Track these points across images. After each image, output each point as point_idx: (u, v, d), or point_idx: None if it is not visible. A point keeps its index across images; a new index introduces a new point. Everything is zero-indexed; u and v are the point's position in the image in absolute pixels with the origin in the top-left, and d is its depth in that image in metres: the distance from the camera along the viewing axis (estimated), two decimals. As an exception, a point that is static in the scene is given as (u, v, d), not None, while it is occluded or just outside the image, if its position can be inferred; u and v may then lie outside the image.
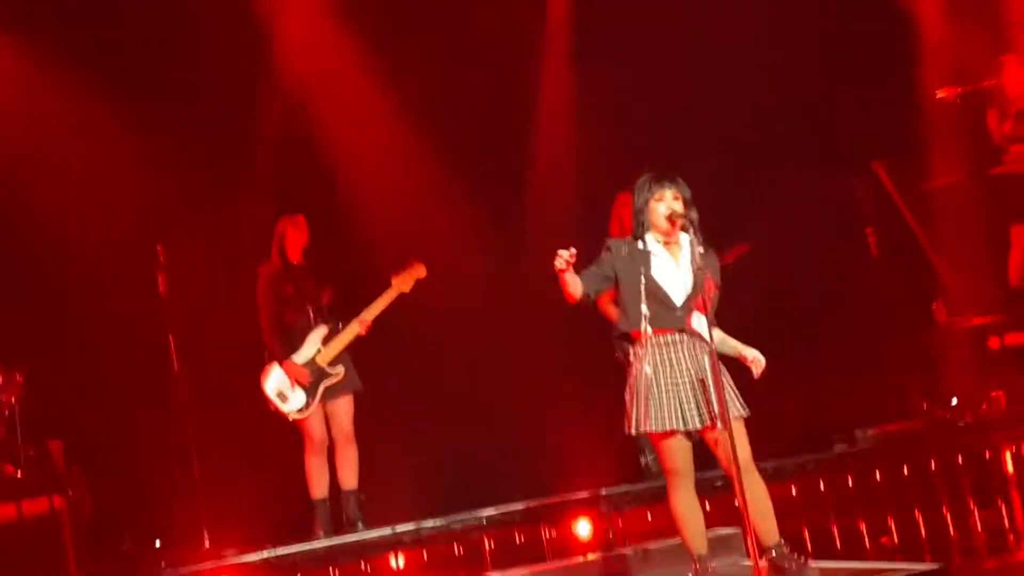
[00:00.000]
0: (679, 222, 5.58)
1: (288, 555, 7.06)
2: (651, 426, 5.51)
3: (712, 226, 5.69)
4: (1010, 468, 7.77)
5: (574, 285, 5.54)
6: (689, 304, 5.56)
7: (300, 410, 7.50)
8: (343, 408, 7.60)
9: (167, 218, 8.35)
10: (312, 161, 8.98)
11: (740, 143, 9.20)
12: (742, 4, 9.36)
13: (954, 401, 8.38)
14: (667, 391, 5.51)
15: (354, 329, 7.57)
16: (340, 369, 7.57)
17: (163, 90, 8.58)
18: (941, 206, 9.22)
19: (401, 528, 7.17)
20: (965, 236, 9.10)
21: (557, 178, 9.48)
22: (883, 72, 9.20)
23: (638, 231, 5.67)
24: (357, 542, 7.19)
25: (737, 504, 5.38)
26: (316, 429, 7.55)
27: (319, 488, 7.56)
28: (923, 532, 7.57)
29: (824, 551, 7.08)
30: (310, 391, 7.51)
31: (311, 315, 7.59)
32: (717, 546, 5.93)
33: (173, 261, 7.85)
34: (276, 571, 7.01)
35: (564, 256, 5.42)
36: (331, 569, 7.03)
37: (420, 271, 7.67)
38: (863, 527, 7.51)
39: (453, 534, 7.20)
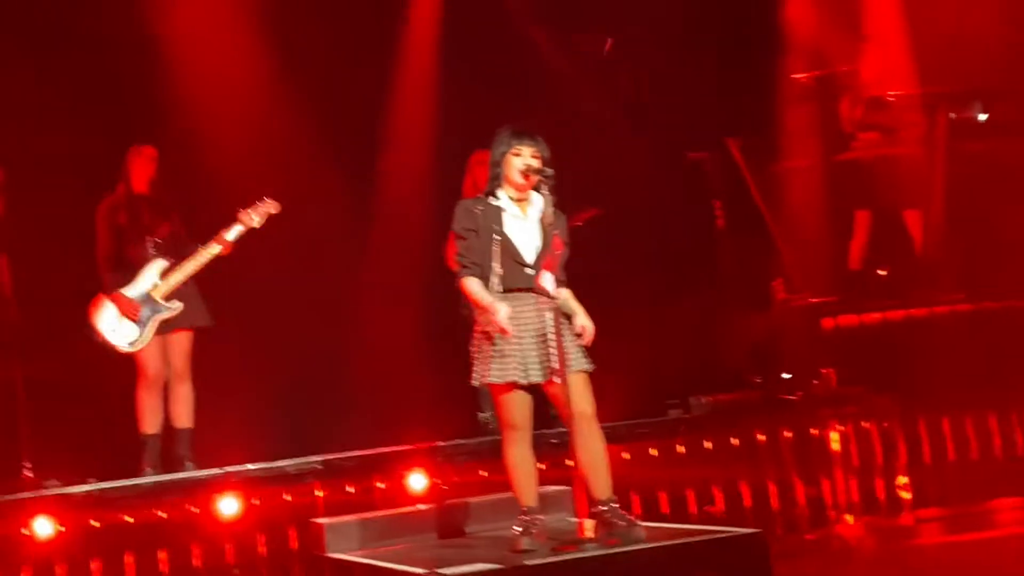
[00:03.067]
0: (534, 178, 5.60)
1: (112, 489, 6.91)
2: (492, 378, 5.53)
3: (563, 191, 5.71)
4: (835, 445, 8.02)
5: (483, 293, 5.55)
6: (539, 262, 5.59)
7: (131, 343, 7.31)
8: (179, 344, 7.44)
9: (13, 143, 8.04)
10: (168, 95, 8.73)
11: (598, 108, 9.27)
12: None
13: (786, 376, 8.61)
14: (511, 345, 5.53)
15: (209, 252, 7.35)
16: (177, 304, 7.38)
17: (12, 14, 8.25)
18: (789, 187, 9.44)
19: (231, 469, 7.08)
20: (809, 218, 9.34)
21: (413, 132, 9.41)
22: (744, 51, 9.35)
23: (492, 185, 5.67)
24: (186, 480, 7.08)
25: (571, 458, 5.44)
26: (150, 363, 7.37)
27: (150, 423, 7.40)
28: (747, 502, 7.77)
29: (651, 514, 7.23)
30: (141, 325, 7.32)
31: (149, 247, 7.39)
32: (548, 503, 5.98)
33: (16, 184, 7.57)
34: (99, 505, 6.87)
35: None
36: (156, 508, 6.91)
37: (273, 207, 7.46)
38: (690, 493, 7.68)
39: (285, 478, 7.14)
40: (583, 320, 5.65)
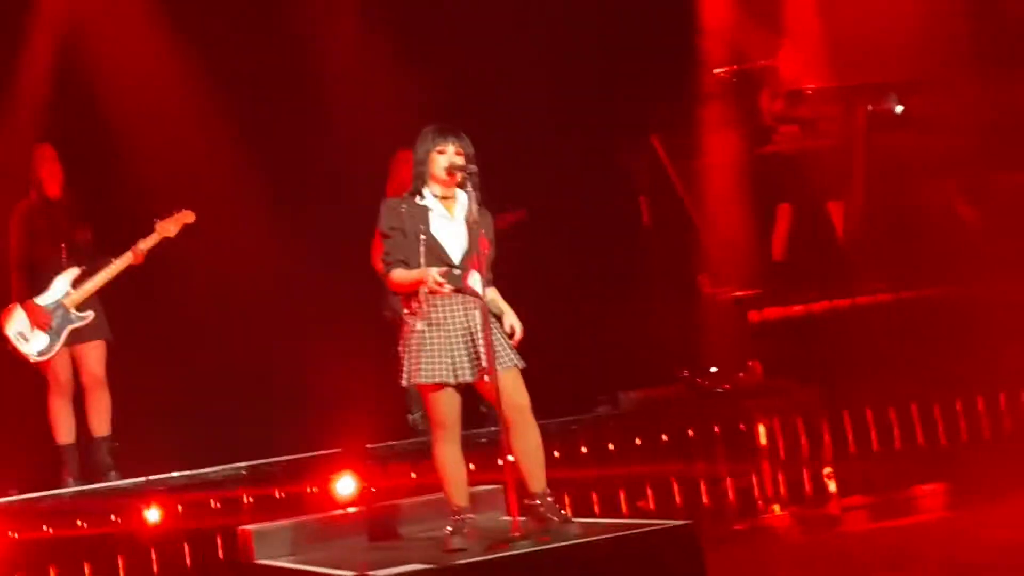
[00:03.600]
0: (458, 176, 5.57)
1: (33, 500, 6.77)
2: (422, 378, 5.49)
3: (489, 190, 5.68)
4: (762, 437, 8.09)
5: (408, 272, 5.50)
6: (465, 261, 5.56)
7: (40, 352, 7.17)
8: (93, 353, 7.31)
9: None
10: (82, 97, 8.59)
11: (521, 109, 9.25)
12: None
13: (713, 370, 8.67)
14: (439, 345, 5.50)
15: (122, 262, 7.25)
16: (89, 313, 7.25)
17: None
18: (712, 182, 9.51)
19: (155, 478, 6.96)
20: (732, 212, 9.41)
21: (338, 132, 9.33)
22: (665, 47, 9.39)
23: (417, 184, 5.63)
24: (108, 490, 6.96)
25: (503, 456, 5.42)
26: (60, 372, 7.23)
27: (65, 433, 7.26)
28: (677, 496, 7.81)
29: (582, 512, 7.23)
30: (53, 334, 7.17)
31: (63, 254, 7.25)
32: (479, 502, 5.95)
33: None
34: (19, 519, 6.72)
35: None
36: (79, 519, 6.78)
37: (188, 217, 7.40)
38: (621, 489, 7.70)
39: (211, 485, 7.04)
40: (512, 320, 5.63)
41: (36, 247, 7.25)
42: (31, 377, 7.41)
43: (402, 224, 5.55)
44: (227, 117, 8.92)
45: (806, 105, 9.31)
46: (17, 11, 8.47)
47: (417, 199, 5.61)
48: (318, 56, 9.37)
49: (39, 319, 7.15)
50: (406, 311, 5.59)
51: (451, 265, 5.54)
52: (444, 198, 5.63)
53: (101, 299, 7.36)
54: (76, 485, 7.05)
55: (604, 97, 9.33)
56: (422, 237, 5.51)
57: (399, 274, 5.57)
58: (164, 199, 7.64)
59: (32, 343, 7.16)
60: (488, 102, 9.11)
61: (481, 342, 5.44)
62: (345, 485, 7.18)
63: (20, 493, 6.93)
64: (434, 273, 5.45)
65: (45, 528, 6.73)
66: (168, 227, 7.31)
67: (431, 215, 5.58)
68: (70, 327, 7.22)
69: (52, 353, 7.17)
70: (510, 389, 5.48)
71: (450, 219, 5.61)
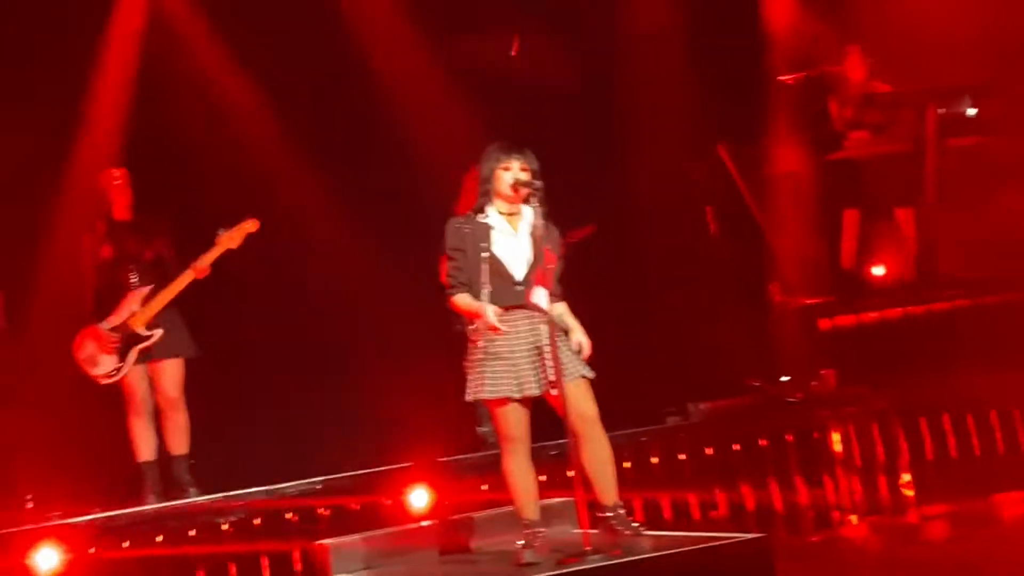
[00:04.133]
0: (523, 192, 5.60)
1: (115, 518, 6.90)
2: (487, 393, 5.53)
3: (556, 202, 5.71)
4: (837, 446, 8.01)
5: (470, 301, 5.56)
6: (529, 277, 5.59)
7: (109, 374, 7.28)
8: (167, 373, 7.39)
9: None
10: (152, 117, 8.73)
11: (588, 120, 9.27)
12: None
13: (785, 379, 8.60)
14: (504, 360, 5.53)
15: (185, 279, 7.35)
16: (157, 331, 7.33)
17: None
18: (781, 190, 9.44)
19: (233, 493, 7.06)
20: (801, 219, 9.34)
21: (409, 146, 9.41)
22: (732, 55, 9.35)
23: (482, 201, 5.67)
24: (187, 506, 7.06)
25: (572, 468, 5.43)
26: (135, 391, 7.33)
27: (145, 451, 7.37)
28: (751, 507, 7.76)
29: (654, 523, 7.21)
30: (120, 355, 7.28)
31: (132, 276, 7.35)
32: (549, 515, 5.97)
33: (6, 224, 7.58)
34: (103, 535, 6.85)
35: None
36: (159, 535, 6.89)
37: (250, 226, 7.40)
38: (693, 500, 7.66)
39: (287, 500, 7.12)
40: (579, 336, 5.65)
41: (106, 270, 7.35)
42: (111, 395, 7.54)
43: (464, 245, 5.59)
44: (293, 130, 9.03)
45: (877, 110, 9.21)
46: (90, 33, 8.63)
47: (480, 217, 5.65)
48: (385, 68, 9.45)
49: (103, 343, 7.27)
50: (471, 327, 5.63)
51: (513, 282, 5.56)
52: (509, 214, 5.66)
53: (181, 315, 7.43)
54: (156, 502, 7.15)
55: (671, 107, 9.32)
56: (483, 255, 5.55)
57: (461, 300, 5.62)
58: (232, 213, 7.71)
59: (101, 366, 7.28)
60: (554, 114, 9.14)
61: (548, 354, 5.45)
62: (418, 498, 7.22)
63: (101, 511, 7.05)
64: (491, 315, 5.47)
65: (125, 544, 6.84)
66: (231, 238, 7.35)
67: (493, 233, 5.61)
68: (137, 347, 7.32)
69: (120, 375, 7.27)
70: (578, 400, 5.50)
71: (514, 235, 5.63)
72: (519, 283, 5.57)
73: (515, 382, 5.52)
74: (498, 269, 5.57)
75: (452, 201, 7.77)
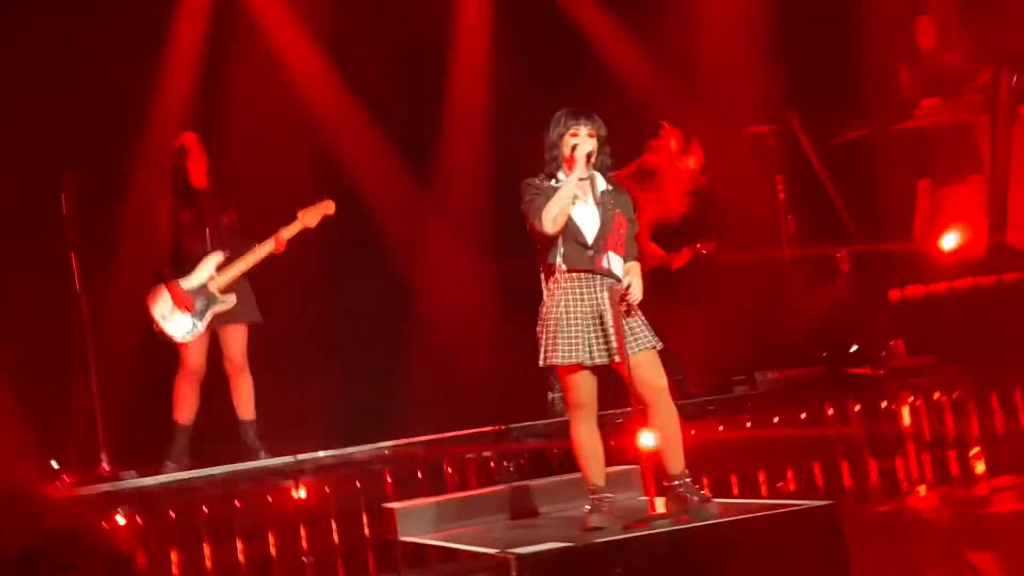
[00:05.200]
0: (593, 159, 5.60)
1: (188, 480, 7.02)
2: (558, 359, 5.55)
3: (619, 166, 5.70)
4: (906, 418, 7.95)
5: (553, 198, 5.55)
6: (599, 242, 5.59)
7: (184, 334, 7.38)
8: (235, 337, 7.46)
9: (76, 144, 8.18)
10: (228, 88, 8.82)
11: (657, 86, 9.25)
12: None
13: (854, 349, 8.54)
14: (575, 325, 5.55)
15: (265, 249, 7.43)
16: (232, 297, 7.42)
17: (69, 18, 8.37)
18: (851, 158, 9.36)
19: (303, 457, 7.15)
20: (873, 188, 9.26)
21: (471, 116, 9.43)
22: (803, 25, 9.27)
23: (552, 167, 5.67)
24: (259, 469, 7.16)
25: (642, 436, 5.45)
26: (194, 357, 7.40)
27: (184, 415, 7.40)
28: (818, 479, 7.73)
29: (721, 493, 7.21)
30: (196, 316, 7.39)
31: (208, 240, 7.44)
32: (616, 482, 5.99)
33: (79, 184, 7.69)
34: (177, 496, 6.97)
35: None
36: (232, 497, 7.00)
37: (329, 207, 7.49)
38: (760, 471, 7.65)
39: (356, 464, 7.20)
40: (632, 279, 5.57)
41: (182, 234, 7.43)
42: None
43: (543, 193, 5.59)
44: (364, 106, 9.09)
45: (949, 77, 9.09)
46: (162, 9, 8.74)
47: (552, 182, 5.66)
48: (450, 43, 9.47)
49: (182, 301, 7.36)
50: (545, 291, 5.64)
51: (585, 245, 5.58)
52: (579, 180, 5.67)
53: (249, 282, 7.53)
54: (176, 469, 7.19)
55: (739, 74, 9.26)
56: None
57: (549, 206, 5.51)
58: (308, 188, 7.79)
59: (176, 324, 7.38)
60: (622, 80, 9.11)
61: (611, 324, 5.47)
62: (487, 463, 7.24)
63: (175, 468, 7.18)
64: (574, 180, 5.46)
65: (201, 507, 6.95)
66: (309, 216, 7.45)
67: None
68: (213, 310, 7.42)
69: (195, 335, 7.38)
70: (647, 370, 5.52)
71: (584, 200, 5.64)
72: (590, 247, 5.58)
73: (586, 348, 5.54)
74: (571, 232, 5.58)
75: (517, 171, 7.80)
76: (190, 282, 7.40)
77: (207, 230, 7.43)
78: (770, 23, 9.30)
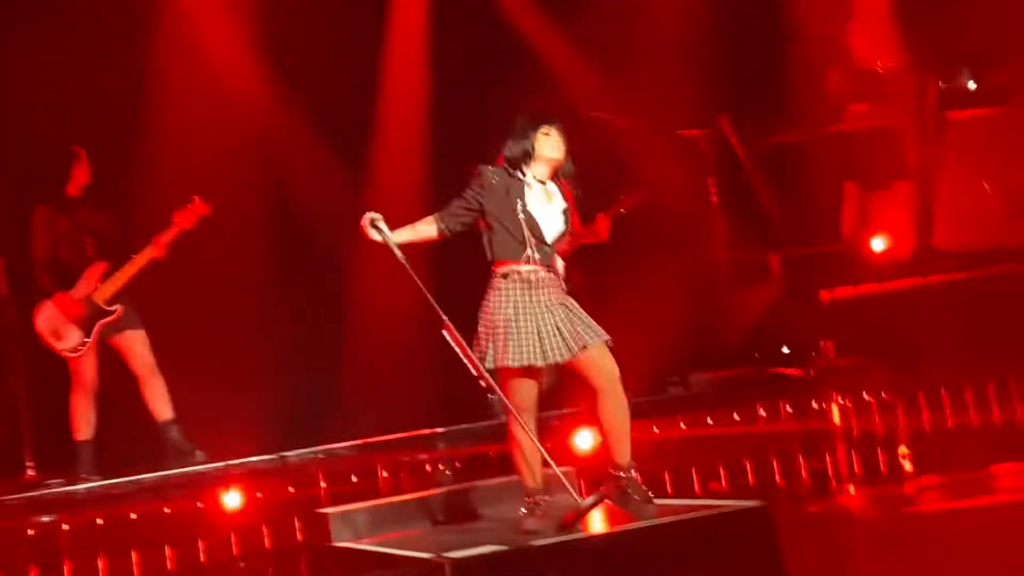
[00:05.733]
0: (559, 167, 5.62)
1: (116, 485, 6.93)
2: (509, 361, 5.51)
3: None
4: (836, 417, 8.04)
5: (425, 232, 5.59)
6: (557, 243, 5.61)
7: (75, 348, 7.27)
8: (138, 342, 7.42)
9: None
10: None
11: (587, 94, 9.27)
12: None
13: (785, 350, 8.62)
14: (527, 326, 5.53)
15: (144, 256, 7.34)
16: (117, 307, 7.35)
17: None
18: (782, 161, 9.44)
19: (235, 462, 7.08)
20: (802, 191, 9.35)
21: (406, 116, 9.40)
22: (734, 27, 9.33)
23: (521, 161, 5.62)
24: (189, 474, 7.08)
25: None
26: (86, 370, 7.33)
27: (86, 430, 7.35)
28: (751, 478, 7.79)
29: (655, 492, 7.22)
30: (85, 328, 7.29)
31: (88, 251, 7.35)
32: (552, 485, 5.98)
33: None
34: (103, 503, 6.86)
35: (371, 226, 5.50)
36: (161, 503, 6.91)
37: (202, 208, 7.41)
38: (694, 471, 7.69)
39: (288, 470, 7.14)
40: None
41: (60, 245, 7.33)
42: (114, 365, 7.53)
43: (483, 200, 5.57)
44: (293, 104, 9.00)
45: (877, 83, 9.21)
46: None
47: (518, 174, 5.63)
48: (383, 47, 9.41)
49: (71, 311, 7.26)
50: (490, 289, 5.60)
51: (544, 243, 5.58)
52: (542, 181, 5.65)
53: (129, 293, 7.44)
54: (90, 482, 7.11)
55: (672, 77, 9.30)
56: (520, 215, 5.55)
57: (416, 234, 5.65)
58: (237, 188, 7.70)
59: (67, 339, 7.27)
60: (555, 81, 9.12)
61: (563, 321, 5.48)
62: (420, 467, 7.22)
63: (103, 478, 7.07)
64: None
65: (128, 513, 6.85)
66: (184, 219, 7.37)
67: (528, 192, 5.60)
68: (101, 321, 7.32)
69: (86, 347, 7.27)
70: (602, 358, 5.55)
71: (547, 200, 5.64)
72: (548, 246, 5.59)
73: (539, 349, 5.51)
74: (534, 229, 5.57)
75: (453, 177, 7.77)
76: (80, 292, 7.28)
77: (86, 240, 7.32)
78: (703, 27, 9.35)
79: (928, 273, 8.83)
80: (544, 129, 5.63)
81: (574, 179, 5.69)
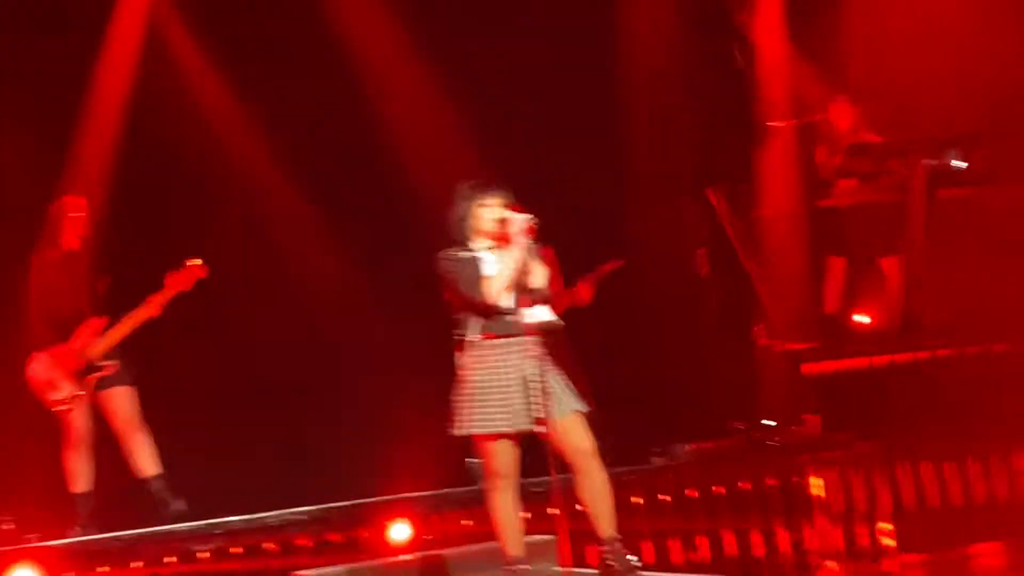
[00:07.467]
0: (508, 231, 5.61)
1: (91, 541, 6.85)
2: (475, 427, 5.51)
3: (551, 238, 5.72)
4: (817, 491, 8.03)
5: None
6: (518, 305, 5.58)
7: (68, 400, 7.22)
8: (124, 398, 7.36)
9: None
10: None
11: (579, 159, 9.31)
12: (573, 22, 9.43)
13: (768, 423, 8.62)
14: (497, 394, 5.52)
15: (143, 315, 7.30)
16: (112, 361, 7.32)
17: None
18: (769, 234, 9.50)
19: (214, 521, 7.02)
20: (788, 264, 9.40)
21: (400, 174, 9.42)
22: (724, 100, 9.42)
23: (463, 237, 5.65)
24: (165, 533, 7.02)
25: (566, 505, 5.40)
26: (80, 423, 7.28)
27: (83, 482, 7.29)
28: (731, 550, 7.76)
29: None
30: (78, 382, 7.25)
31: (85, 306, 7.32)
32: (533, 552, 5.95)
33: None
34: (78, 558, 6.79)
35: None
36: (135, 560, 6.84)
37: (199, 269, 7.39)
38: (675, 542, 7.65)
39: (267, 530, 7.08)
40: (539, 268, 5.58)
41: (57, 298, 7.29)
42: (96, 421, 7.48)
43: (464, 264, 5.58)
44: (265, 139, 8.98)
45: (864, 159, 9.29)
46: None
47: (465, 251, 5.64)
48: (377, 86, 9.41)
49: (67, 363, 7.23)
50: (460, 357, 5.61)
51: (504, 312, 5.56)
52: (492, 248, 5.66)
53: (122, 349, 7.40)
54: (84, 534, 7.05)
55: (663, 148, 9.38)
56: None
57: (496, 280, 5.52)
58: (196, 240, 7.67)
59: (60, 391, 7.23)
60: (545, 152, 9.17)
61: (538, 389, 5.45)
62: (399, 532, 7.19)
63: (83, 534, 7.01)
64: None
65: (103, 569, 6.79)
66: (179, 281, 7.33)
67: (483, 265, 5.61)
68: (95, 375, 7.28)
69: (79, 401, 7.23)
70: (574, 434, 5.50)
71: (500, 266, 5.64)
72: (508, 312, 5.57)
73: (507, 417, 5.51)
74: None
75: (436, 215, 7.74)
76: (75, 346, 7.24)
77: (83, 295, 7.28)
78: (692, 98, 9.44)
79: (914, 349, 8.85)
80: (481, 202, 5.63)
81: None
